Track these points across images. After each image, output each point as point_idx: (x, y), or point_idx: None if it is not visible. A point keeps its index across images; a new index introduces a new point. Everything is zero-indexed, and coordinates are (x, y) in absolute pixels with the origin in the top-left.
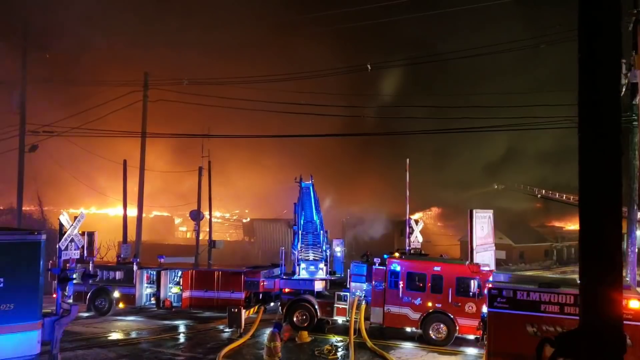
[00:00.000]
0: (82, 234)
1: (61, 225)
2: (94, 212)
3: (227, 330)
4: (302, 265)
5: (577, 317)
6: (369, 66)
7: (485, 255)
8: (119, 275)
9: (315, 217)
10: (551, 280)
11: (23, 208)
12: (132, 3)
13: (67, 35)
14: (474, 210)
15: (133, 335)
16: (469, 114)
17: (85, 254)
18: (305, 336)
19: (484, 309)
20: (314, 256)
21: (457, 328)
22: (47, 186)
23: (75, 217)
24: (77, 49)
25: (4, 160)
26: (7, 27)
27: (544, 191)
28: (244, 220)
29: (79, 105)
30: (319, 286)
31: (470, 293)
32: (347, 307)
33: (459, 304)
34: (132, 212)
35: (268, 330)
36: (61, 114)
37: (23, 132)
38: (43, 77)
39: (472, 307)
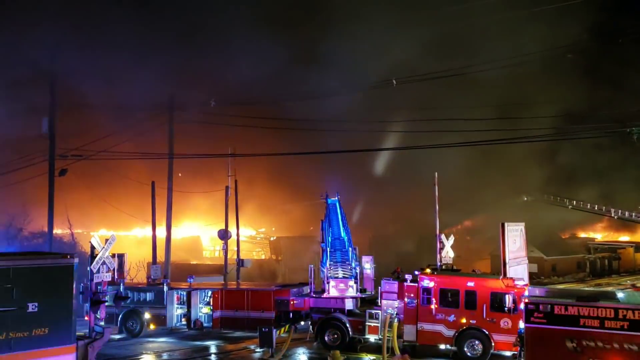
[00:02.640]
0: (113, 256)
1: (92, 247)
2: (123, 234)
3: (258, 350)
4: (332, 283)
5: (619, 332)
6: (394, 81)
7: (518, 269)
8: (149, 296)
9: (342, 234)
10: (589, 294)
11: (54, 231)
12: (158, 26)
13: (95, 60)
14: (506, 224)
15: (165, 356)
16: (496, 126)
17: (116, 276)
18: (338, 356)
19: (521, 324)
20: (344, 274)
21: (493, 344)
22: (76, 209)
23: (106, 240)
24: (104, 73)
25: (35, 185)
26: (35, 52)
27: (574, 202)
28: (271, 239)
29: (106, 129)
30: (349, 304)
31: (505, 308)
32: (379, 325)
33: (494, 319)
34: (161, 232)
35: (301, 350)
36: (89, 137)
37: (53, 157)
38: (71, 102)
39: (507, 323)
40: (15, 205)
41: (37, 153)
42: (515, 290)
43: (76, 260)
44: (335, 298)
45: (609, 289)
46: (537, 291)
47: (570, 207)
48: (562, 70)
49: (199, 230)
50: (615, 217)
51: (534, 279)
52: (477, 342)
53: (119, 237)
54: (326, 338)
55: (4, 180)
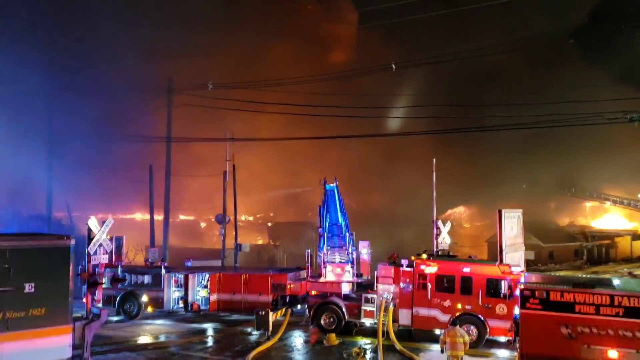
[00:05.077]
0: (111, 238)
1: (89, 230)
2: (121, 217)
3: (254, 333)
4: (329, 267)
5: (614, 318)
6: (393, 65)
7: (514, 256)
8: (147, 279)
9: (340, 220)
10: (585, 281)
11: (52, 214)
12: (157, 7)
13: (93, 40)
14: (503, 210)
15: (162, 338)
16: (496, 112)
17: (114, 259)
18: (334, 339)
19: (516, 310)
20: (340, 258)
21: (488, 330)
22: (75, 192)
23: (103, 222)
24: (104, 54)
25: (34, 168)
26: (32, 30)
27: (573, 189)
28: (269, 224)
29: (105, 111)
30: (345, 288)
31: (501, 294)
32: (374, 309)
33: (490, 305)
34: (159, 216)
35: (297, 333)
36: (88, 120)
37: (51, 140)
38: (69, 84)
39: (503, 309)
40: (14, 188)
41: (37, 136)
42: (511, 277)
43: (73, 242)
44: (332, 282)
45: (606, 276)
46: (534, 277)
47: (569, 194)
48: (562, 56)
49: (198, 214)
50: (613, 204)
51: (530, 265)
52: (472, 327)
53: (118, 220)
54: (322, 321)
55: (4, 163)
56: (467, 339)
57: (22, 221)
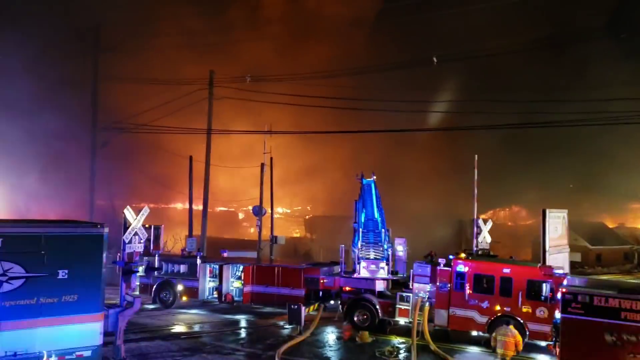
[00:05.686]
0: (149, 227)
1: (126, 219)
2: (163, 206)
3: (287, 327)
4: (363, 263)
5: None
6: (434, 59)
7: (558, 258)
8: (182, 268)
9: (376, 215)
10: (633, 286)
11: (95, 202)
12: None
13: (137, 34)
14: (547, 210)
15: (195, 328)
16: (543, 109)
17: (152, 247)
18: (366, 336)
19: (557, 314)
20: (375, 255)
21: (527, 333)
22: (117, 181)
23: (139, 211)
24: (147, 48)
25: (78, 157)
26: (79, 25)
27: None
28: (306, 217)
29: (147, 103)
30: (380, 286)
31: (542, 297)
32: (409, 308)
33: (530, 308)
34: (198, 207)
35: (329, 329)
36: (131, 111)
37: (95, 130)
38: (113, 76)
39: (543, 312)
40: (59, 176)
41: (80, 126)
42: (553, 279)
43: (106, 229)
44: (366, 279)
45: None
46: (577, 281)
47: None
48: (609, 53)
49: (236, 205)
50: None
51: (576, 268)
52: None
53: (160, 209)
54: (355, 318)
55: (50, 151)
56: (520, 338)
57: (65, 208)
